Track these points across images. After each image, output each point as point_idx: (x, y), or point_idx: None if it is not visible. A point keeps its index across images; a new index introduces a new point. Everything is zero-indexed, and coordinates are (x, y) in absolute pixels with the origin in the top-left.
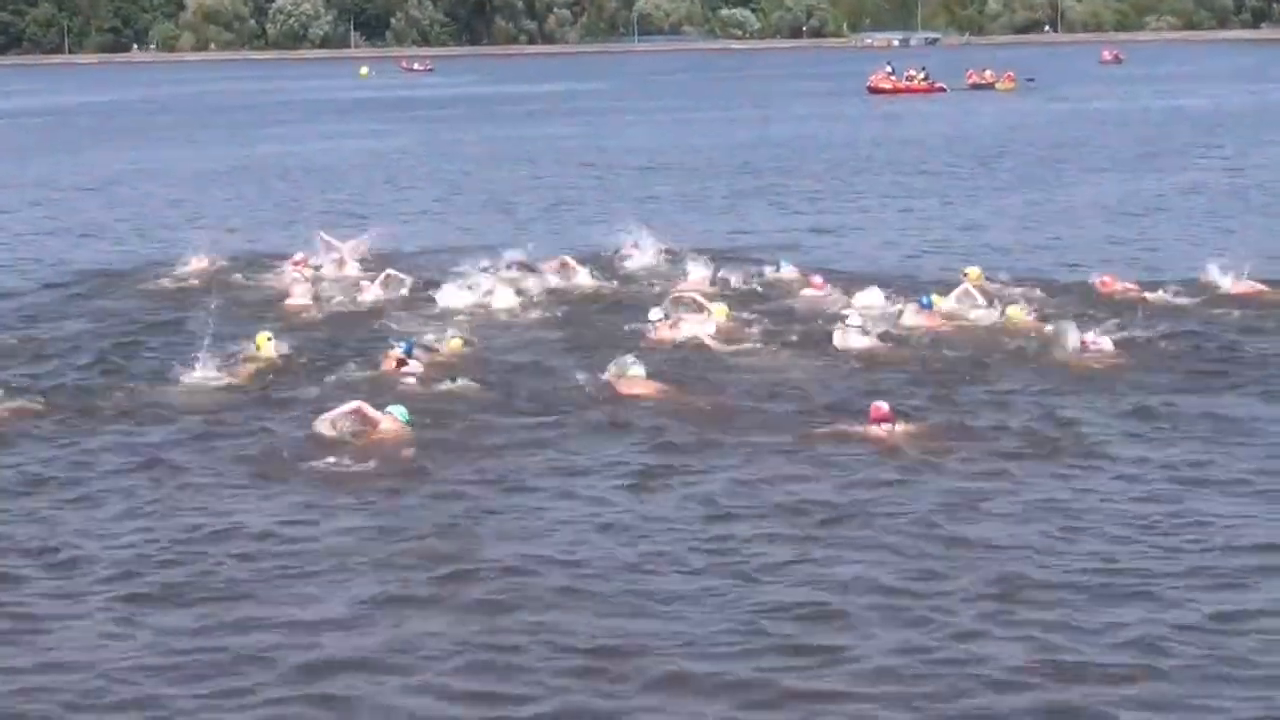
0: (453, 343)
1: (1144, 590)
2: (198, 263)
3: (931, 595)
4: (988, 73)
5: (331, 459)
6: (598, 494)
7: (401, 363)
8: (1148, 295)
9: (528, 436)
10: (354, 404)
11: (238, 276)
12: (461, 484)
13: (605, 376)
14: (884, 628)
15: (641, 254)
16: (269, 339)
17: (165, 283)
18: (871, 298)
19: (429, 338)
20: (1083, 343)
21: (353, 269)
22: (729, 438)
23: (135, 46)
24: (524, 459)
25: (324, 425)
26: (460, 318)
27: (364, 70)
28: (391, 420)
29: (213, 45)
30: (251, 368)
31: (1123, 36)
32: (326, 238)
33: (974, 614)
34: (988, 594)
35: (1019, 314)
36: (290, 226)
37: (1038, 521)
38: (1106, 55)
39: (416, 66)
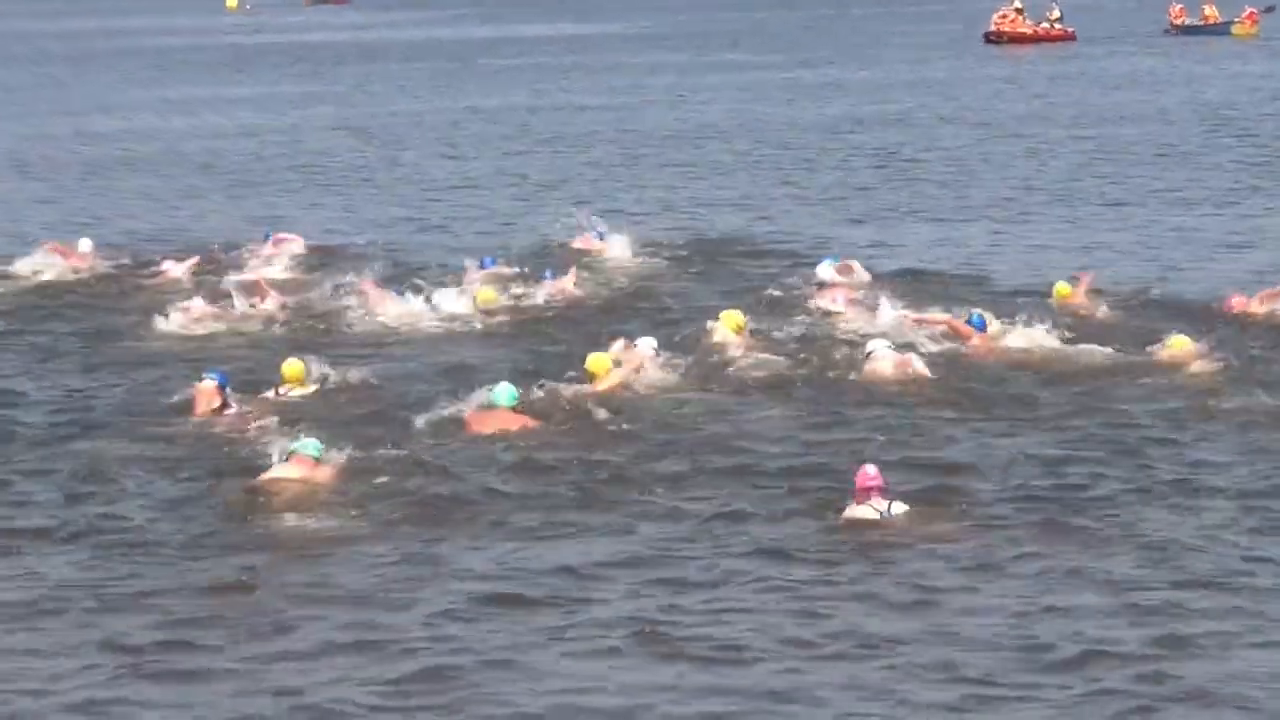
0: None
1: None
2: (51, 267)
3: None
4: (1209, 9)
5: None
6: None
7: (224, 405)
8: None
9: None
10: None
11: (107, 284)
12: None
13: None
14: None
15: (610, 247)
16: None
17: (8, 291)
18: (891, 316)
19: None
20: None
21: (275, 271)
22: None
23: None
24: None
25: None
26: (384, 326)
27: (231, 1)
28: (300, 463)
29: None
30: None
31: None
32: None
33: None
34: None
35: (1183, 343)
36: (171, 230)
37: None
38: None
39: None
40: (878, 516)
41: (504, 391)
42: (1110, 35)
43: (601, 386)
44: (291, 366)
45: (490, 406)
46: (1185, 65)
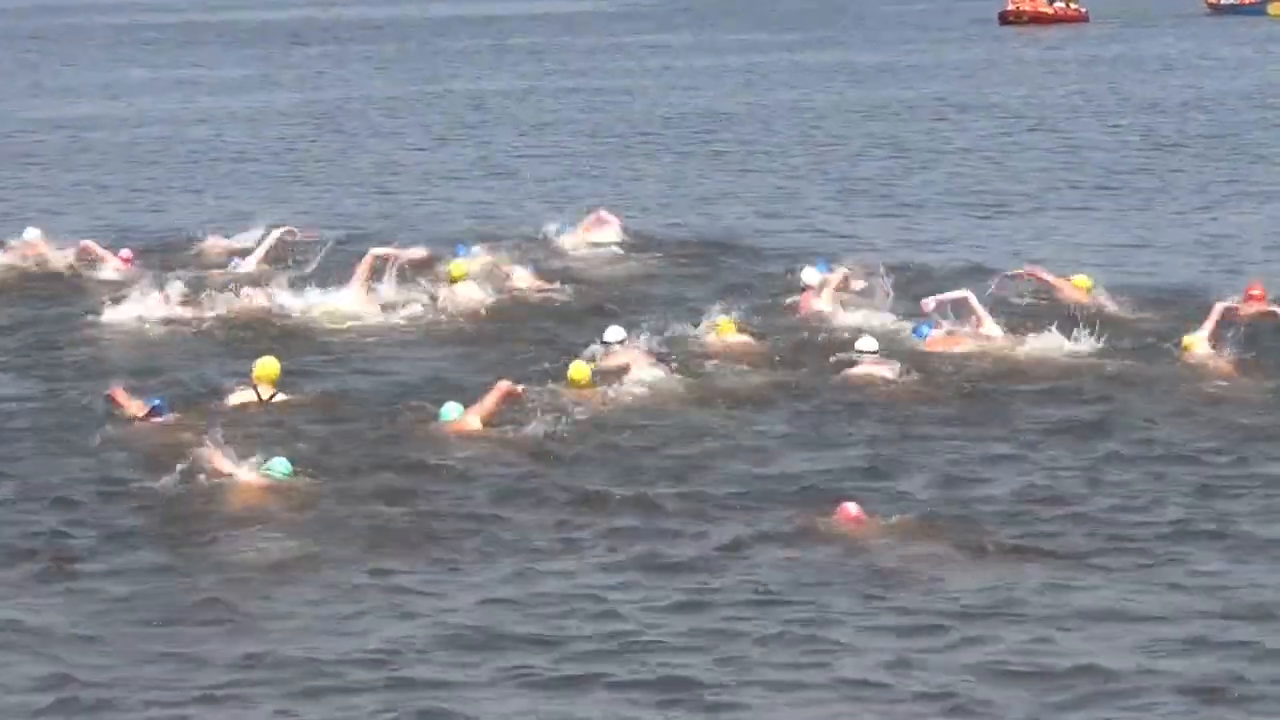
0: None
1: None
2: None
3: None
4: None
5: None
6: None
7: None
8: None
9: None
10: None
11: (53, 279)
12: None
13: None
14: None
15: (566, 234)
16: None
17: None
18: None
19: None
20: None
21: (219, 267)
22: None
23: None
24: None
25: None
26: (347, 327)
27: None
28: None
29: None
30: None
31: None
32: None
33: None
34: None
35: (1198, 342)
36: (124, 223)
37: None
38: None
39: None
40: (857, 525)
41: (451, 410)
42: (1144, 15)
43: (582, 395)
44: (266, 366)
45: (444, 422)
46: (1224, 48)
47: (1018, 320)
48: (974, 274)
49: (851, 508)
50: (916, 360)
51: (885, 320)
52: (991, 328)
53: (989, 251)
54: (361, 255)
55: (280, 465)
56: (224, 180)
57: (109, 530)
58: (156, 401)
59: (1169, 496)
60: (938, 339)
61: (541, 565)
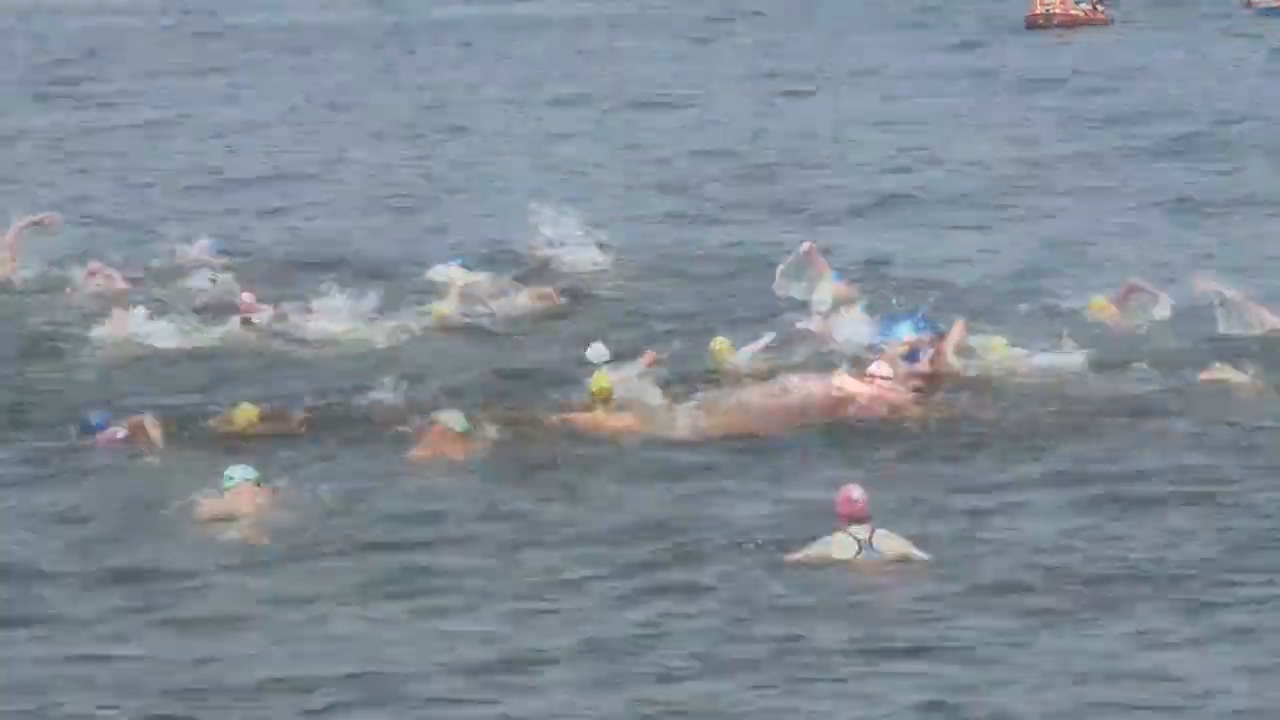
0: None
1: None
2: None
3: None
4: None
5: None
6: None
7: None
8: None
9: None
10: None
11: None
12: None
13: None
14: None
15: (562, 248)
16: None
17: None
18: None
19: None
20: None
21: (198, 281)
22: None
23: None
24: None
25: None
26: (329, 347)
27: None
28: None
29: None
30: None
31: None
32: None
33: None
34: None
35: (1227, 372)
36: (104, 238)
37: None
38: None
39: None
40: (857, 548)
41: (454, 418)
42: (1179, 18)
43: (582, 417)
44: (244, 413)
45: (443, 430)
46: (1272, 53)
47: (1034, 343)
48: (1006, 293)
49: (855, 492)
50: (918, 385)
51: (875, 340)
52: (951, 357)
53: (1017, 266)
54: (340, 272)
55: (242, 473)
56: (206, 194)
57: (69, 560)
58: (93, 420)
59: (1200, 532)
60: (926, 364)
61: (530, 602)
